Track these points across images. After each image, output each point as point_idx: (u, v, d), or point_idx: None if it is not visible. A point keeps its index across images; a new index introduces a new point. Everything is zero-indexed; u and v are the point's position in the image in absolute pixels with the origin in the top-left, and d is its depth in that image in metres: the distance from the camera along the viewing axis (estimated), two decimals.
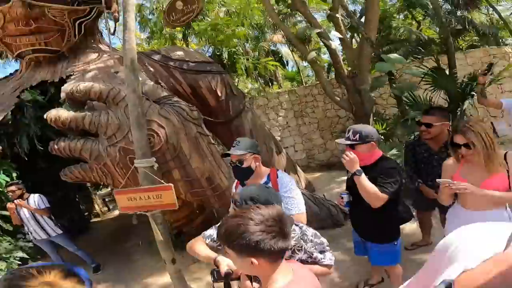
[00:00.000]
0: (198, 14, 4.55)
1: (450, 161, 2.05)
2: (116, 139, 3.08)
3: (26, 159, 4.42)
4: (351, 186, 2.21)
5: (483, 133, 1.79)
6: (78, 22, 3.84)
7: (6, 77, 4.89)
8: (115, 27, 4.18)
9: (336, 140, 2.60)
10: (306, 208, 1.96)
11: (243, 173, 2.01)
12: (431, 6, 7.00)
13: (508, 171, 1.82)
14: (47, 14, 3.59)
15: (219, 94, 5.15)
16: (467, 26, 8.72)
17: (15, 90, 4.31)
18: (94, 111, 3.25)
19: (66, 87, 3.39)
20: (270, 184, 1.95)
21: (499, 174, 1.82)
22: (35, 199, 4.00)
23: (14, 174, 4.35)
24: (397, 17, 9.08)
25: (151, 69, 4.61)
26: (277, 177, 1.99)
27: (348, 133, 2.17)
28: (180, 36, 7.44)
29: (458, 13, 8.78)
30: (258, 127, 5.55)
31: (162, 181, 2.43)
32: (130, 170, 2.81)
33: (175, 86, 4.90)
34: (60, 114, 3.21)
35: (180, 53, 4.97)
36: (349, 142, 2.13)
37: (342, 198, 2.29)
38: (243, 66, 7.41)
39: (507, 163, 1.83)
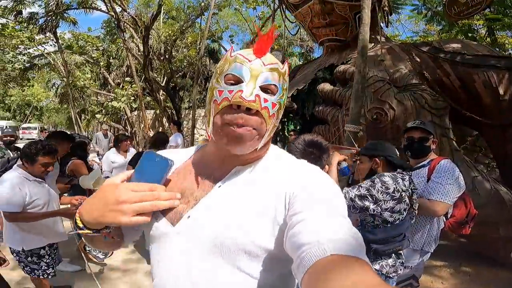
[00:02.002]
0: (486, 7, 4.08)
1: None
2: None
3: (308, 118, 6.28)
4: None
5: None
6: (358, 15, 4.75)
7: (315, 59, 6.92)
8: (387, 19, 4.73)
9: None
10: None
11: (421, 150, 2.14)
12: None
13: None
14: (335, 9, 4.79)
15: (501, 92, 4.43)
16: None
17: (315, 69, 6.10)
18: (345, 87, 4.19)
19: (336, 68, 4.56)
20: (426, 168, 2.04)
21: None
22: None
23: (298, 127, 6.35)
24: None
25: (417, 59, 4.79)
26: (438, 163, 2.01)
27: None
28: (484, 30, 6.44)
29: None
30: None
31: (356, 145, 2.98)
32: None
33: (441, 77, 4.78)
34: (325, 87, 4.45)
35: (456, 45, 4.71)
36: None
37: None
38: None
39: None
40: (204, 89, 14.89)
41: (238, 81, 0.71)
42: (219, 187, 0.75)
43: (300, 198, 0.68)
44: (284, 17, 5.85)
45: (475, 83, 4.50)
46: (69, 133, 3.97)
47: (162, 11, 10.17)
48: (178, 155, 0.86)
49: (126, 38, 10.24)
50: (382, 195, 1.72)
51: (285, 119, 6.42)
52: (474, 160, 5.24)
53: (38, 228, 2.40)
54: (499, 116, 4.45)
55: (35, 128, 26.21)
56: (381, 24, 5.03)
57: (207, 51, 14.31)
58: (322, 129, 4.42)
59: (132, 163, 3.67)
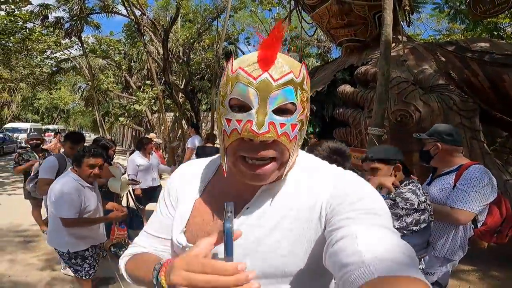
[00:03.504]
0: None
1: None
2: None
3: (327, 120, 6.18)
4: None
5: None
6: (377, 15, 4.65)
7: (333, 60, 6.81)
8: (409, 19, 4.58)
9: None
10: None
11: (422, 155, 2.16)
12: None
13: None
14: (353, 10, 4.71)
15: None
16: None
17: (334, 70, 6.00)
18: (367, 89, 4.09)
19: (357, 70, 4.47)
20: (454, 174, 1.96)
21: None
22: None
23: (317, 129, 6.25)
24: None
25: (443, 58, 4.61)
26: (466, 169, 1.92)
27: None
28: (510, 28, 6.09)
29: None
30: None
31: None
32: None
33: (469, 77, 4.61)
34: (345, 88, 4.37)
35: (484, 44, 4.52)
36: None
37: None
38: None
39: None
40: None
41: (245, 106, 0.61)
42: (247, 208, 0.72)
43: (339, 211, 0.62)
44: (300, 18, 5.78)
45: (505, 83, 4.33)
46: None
47: (179, 15, 10.30)
48: (206, 169, 0.83)
49: (146, 42, 10.45)
50: (407, 211, 1.67)
51: None
52: (504, 162, 5.02)
53: (84, 231, 2.49)
54: None
55: (54, 130, 26.71)
56: (402, 23, 4.90)
57: (224, 53, 14.40)
58: (343, 132, 4.33)
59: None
